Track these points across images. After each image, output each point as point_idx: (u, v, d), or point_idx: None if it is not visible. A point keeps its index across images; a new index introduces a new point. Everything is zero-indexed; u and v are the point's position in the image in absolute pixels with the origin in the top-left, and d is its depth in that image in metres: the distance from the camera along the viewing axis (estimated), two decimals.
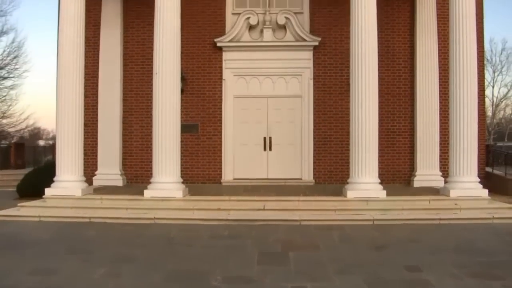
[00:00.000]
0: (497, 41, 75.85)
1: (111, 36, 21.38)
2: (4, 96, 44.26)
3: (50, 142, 57.40)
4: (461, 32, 16.99)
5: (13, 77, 43.84)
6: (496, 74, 56.01)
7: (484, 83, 22.45)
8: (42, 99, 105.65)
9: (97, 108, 21.40)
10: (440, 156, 20.81)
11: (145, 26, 21.31)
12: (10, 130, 49.88)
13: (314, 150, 21.50)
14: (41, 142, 64.49)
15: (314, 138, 21.51)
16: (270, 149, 21.70)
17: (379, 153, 17.29)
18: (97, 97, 21.40)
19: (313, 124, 21.50)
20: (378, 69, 17.34)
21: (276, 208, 16.27)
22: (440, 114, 20.81)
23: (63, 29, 17.62)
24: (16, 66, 43.85)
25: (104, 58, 21.36)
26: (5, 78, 43.60)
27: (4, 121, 47.11)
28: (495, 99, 56.84)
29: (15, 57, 43.54)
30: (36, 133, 74.43)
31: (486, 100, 47.84)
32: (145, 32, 21.36)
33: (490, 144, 36.82)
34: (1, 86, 43.76)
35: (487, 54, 51.96)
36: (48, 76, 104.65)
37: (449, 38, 17.51)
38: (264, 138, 21.72)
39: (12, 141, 47.08)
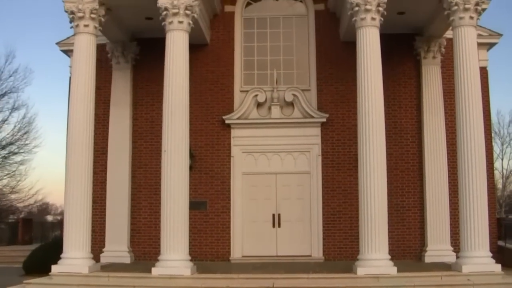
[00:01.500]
0: (504, 113, 76.23)
1: (120, 113, 21.69)
2: (14, 171, 44.42)
3: (58, 217, 57.32)
4: (467, 106, 17.10)
5: (23, 152, 44.14)
6: (504, 146, 55.87)
7: (492, 155, 22.51)
8: (51, 173, 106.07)
9: (105, 185, 21.45)
10: (451, 230, 20.60)
11: (154, 103, 21.62)
12: (19, 205, 49.87)
13: (324, 227, 21.33)
14: (49, 218, 64.38)
15: (323, 214, 21.37)
16: (279, 226, 21.55)
17: (388, 228, 17.14)
18: (106, 173, 21.50)
19: (322, 200, 21.41)
20: (386, 144, 17.42)
21: (285, 286, 16.06)
22: (450, 188, 20.72)
23: (73, 107, 17.92)
24: (27, 142, 44.18)
25: (114, 135, 21.59)
26: (15, 154, 43.87)
27: (13, 196, 47.13)
28: (504, 172, 56.49)
29: (25, 133, 43.95)
30: (45, 209, 74.42)
31: (496, 172, 47.68)
32: (154, 110, 21.66)
33: (502, 217, 36.41)
34: (11, 161, 43.96)
35: (495, 126, 51.95)
36: (58, 151, 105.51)
37: (455, 113, 17.64)
38: (273, 215, 21.60)
39: (20, 216, 47.05)
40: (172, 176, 17.24)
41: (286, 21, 22.78)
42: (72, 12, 17.95)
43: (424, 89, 21.33)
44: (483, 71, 21.71)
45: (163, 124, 17.71)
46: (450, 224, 20.66)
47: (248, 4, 22.88)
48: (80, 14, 17.89)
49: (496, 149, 53.16)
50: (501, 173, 55.93)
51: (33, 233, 34.09)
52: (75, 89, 17.95)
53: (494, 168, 28.00)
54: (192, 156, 20.24)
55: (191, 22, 18.27)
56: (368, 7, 17.60)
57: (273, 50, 22.59)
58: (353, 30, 18.41)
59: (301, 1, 22.77)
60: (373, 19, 17.72)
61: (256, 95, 21.87)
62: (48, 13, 69.54)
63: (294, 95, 21.75)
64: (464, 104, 17.15)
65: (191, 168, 19.42)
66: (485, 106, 19.79)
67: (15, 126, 43.21)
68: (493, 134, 33.27)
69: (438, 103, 21.14)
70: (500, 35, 22.78)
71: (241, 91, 22.24)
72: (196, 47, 20.97)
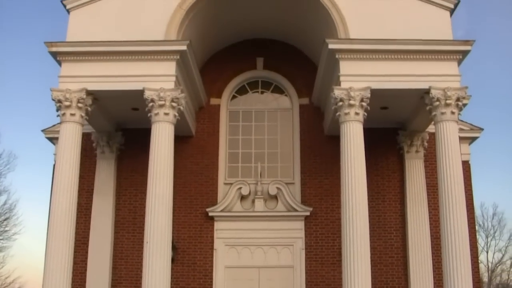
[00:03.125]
0: (488, 205, 76.40)
1: (103, 203, 21.43)
2: None
3: None
4: (451, 200, 17.17)
5: (2, 239, 43.28)
6: (489, 239, 55.92)
7: (477, 248, 22.43)
8: (30, 261, 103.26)
9: (85, 275, 20.88)
10: None
11: (137, 194, 21.49)
12: None
13: None
14: None
15: None
16: None
17: None
18: (86, 264, 21.00)
19: None
20: (370, 238, 17.32)
21: None
22: (435, 283, 20.42)
23: (55, 196, 17.70)
24: (6, 229, 43.39)
25: (96, 225, 21.25)
26: None
27: None
28: (490, 265, 56.21)
29: (5, 219, 43.23)
30: None
31: (481, 265, 47.31)
32: (137, 200, 21.50)
33: None
34: None
35: (479, 219, 52.30)
36: (38, 237, 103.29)
37: (439, 206, 17.69)
38: None
39: None
40: (154, 269, 16.90)
41: (271, 115, 23.13)
42: (59, 101, 18.10)
43: (408, 182, 21.45)
44: (466, 165, 21.98)
45: (146, 215, 17.56)
46: None
47: (234, 97, 23.30)
48: (67, 103, 18.04)
49: (481, 242, 53.13)
50: (486, 266, 55.60)
51: None
52: (59, 178, 17.82)
53: (479, 261, 27.74)
54: (174, 248, 19.94)
55: (177, 114, 18.50)
56: (351, 102, 17.96)
57: (257, 143, 22.80)
58: (337, 124, 18.70)
59: (286, 95, 23.24)
60: (356, 114, 18.04)
61: (240, 188, 21.85)
62: (34, 100, 70.08)
63: (278, 188, 21.77)
64: (448, 197, 17.23)
65: (173, 260, 19.12)
66: (469, 199, 19.94)
67: None
68: (477, 227, 33.30)
69: (421, 196, 21.21)
70: (481, 129, 23.29)
71: (225, 183, 22.22)
72: (181, 139, 21.10)
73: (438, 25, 18.62)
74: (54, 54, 18.62)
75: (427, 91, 18.11)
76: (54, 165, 19.26)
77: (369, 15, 18.90)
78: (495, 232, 55.96)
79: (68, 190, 17.70)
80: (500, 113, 73.44)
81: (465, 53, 18.32)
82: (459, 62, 18.47)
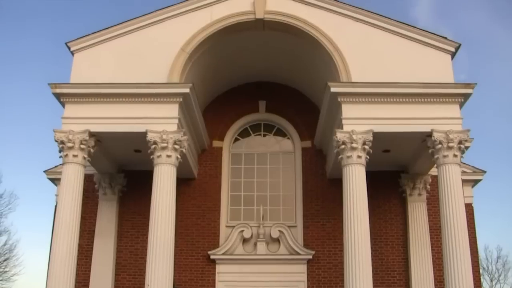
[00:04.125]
0: (492, 248, 75.70)
1: (104, 245, 21.26)
2: None
3: None
4: (454, 243, 17.02)
5: (1, 280, 42.79)
6: (493, 282, 55.18)
7: None
8: None
9: None
10: None
11: (139, 236, 21.35)
12: None
13: None
14: None
15: None
16: None
17: None
18: None
19: None
20: (373, 282, 17.13)
21: None
22: None
23: (56, 238, 17.60)
24: (6, 269, 42.94)
25: (96, 267, 21.03)
26: None
27: None
28: None
29: (5, 260, 42.83)
30: None
31: None
32: (138, 242, 21.34)
33: None
34: None
35: (483, 262, 51.72)
36: (38, 278, 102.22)
37: (442, 249, 17.54)
38: None
39: None
40: None
41: (273, 158, 23.17)
42: (62, 142, 18.17)
43: (411, 226, 21.31)
44: (469, 208, 21.92)
45: (148, 258, 17.43)
46: None
47: (236, 139, 23.38)
48: (70, 145, 18.10)
49: (485, 285, 52.52)
50: None
51: None
52: (60, 220, 17.75)
53: None
54: None
55: (179, 156, 18.54)
56: (354, 145, 18.00)
57: (260, 186, 22.77)
58: (339, 167, 18.70)
59: (288, 138, 23.31)
60: (359, 157, 18.06)
61: (242, 231, 21.72)
62: (37, 140, 70.18)
63: (280, 231, 21.63)
64: (451, 241, 17.09)
65: None
66: (472, 242, 19.76)
67: None
68: (481, 270, 32.95)
69: (425, 239, 21.05)
70: (484, 172, 23.28)
71: (227, 226, 22.10)
72: (183, 181, 21.12)
73: (439, 68, 18.77)
74: (58, 96, 18.78)
75: (429, 134, 18.15)
76: (55, 206, 19.21)
77: (371, 58, 19.07)
78: (499, 276, 55.30)
79: (69, 232, 17.61)
80: (503, 156, 73.33)
81: (466, 96, 18.42)
82: (461, 105, 18.56)
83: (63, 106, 18.89)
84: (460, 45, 18.94)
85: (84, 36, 19.46)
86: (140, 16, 19.73)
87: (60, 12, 73.12)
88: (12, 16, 69.39)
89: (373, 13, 19.55)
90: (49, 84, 18.60)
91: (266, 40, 20.81)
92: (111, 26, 19.59)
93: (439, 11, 74.88)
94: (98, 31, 19.49)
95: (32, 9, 70.84)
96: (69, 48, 19.43)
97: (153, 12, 19.79)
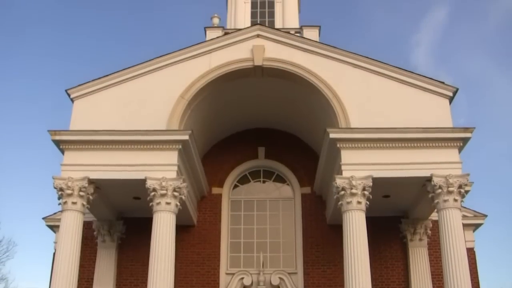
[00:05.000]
0: None
1: None
2: None
3: None
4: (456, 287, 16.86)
5: None
6: None
7: None
8: None
9: None
10: None
11: (138, 284, 21.11)
12: None
13: None
14: None
15: None
16: None
17: None
18: None
19: None
20: None
21: None
22: None
23: (55, 284, 17.41)
24: None
25: None
26: None
27: None
28: None
29: None
30: None
31: None
32: None
33: None
34: None
35: None
36: None
37: None
38: None
39: None
40: None
41: (273, 204, 23.12)
42: (61, 189, 18.13)
43: (412, 271, 21.09)
44: (471, 252, 21.80)
45: None
46: None
47: (235, 186, 23.36)
48: (69, 192, 18.06)
49: None
50: None
51: None
52: (58, 267, 17.58)
53: None
54: None
55: (178, 203, 18.49)
56: (353, 191, 17.98)
57: (259, 233, 22.66)
58: (339, 213, 18.63)
59: (287, 184, 23.30)
60: (359, 202, 18.02)
61: (242, 278, 21.53)
62: (35, 186, 69.90)
63: (280, 278, 21.45)
64: (453, 286, 16.92)
65: None
66: (475, 286, 19.54)
67: None
68: None
69: (426, 285, 20.79)
70: (485, 216, 23.19)
71: (227, 273, 21.92)
72: (182, 228, 21.02)
73: (438, 113, 18.89)
74: (57, 143, 18.82)
75: (429, 179, 18.14)
76: (54, 253, 19.02)
77: (370, 104, 19.20)
78: None
79: (67, 279, 17.43)
80: (504, 198, 73.05)
81: (465, 140, 18.47)
82: (460, 149, 18.60)
83: (63, 153, 18.91)
84: (457, 89, 19.10)
85: (84, 83, 19.65)
86: (140, 64, 19.93)
87: (62, 57, 73.81)
88: (14, 61, 70.14)
89: (372, 59, 19.77)
90: (48, 131, 18.67)
91: (265, 86, 20.98)
92: (111, 74, 19.79)
93: (438, 56, 75.83)
94: (98, 78, 19.68)
95: (35, 53, 71.58)
96: (69, 95, 19.57)
97: (152, 59, 20.02)
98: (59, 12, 73.81)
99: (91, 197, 18.60)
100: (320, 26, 26.25)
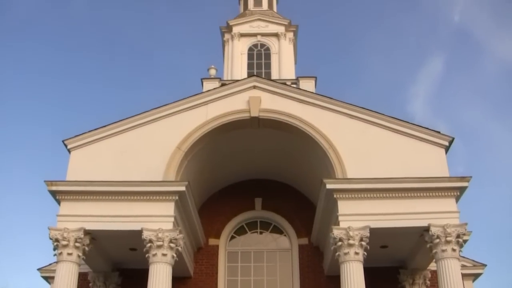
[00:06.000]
0: None
1: None
2: None
3: None
4: None
5: None
6: None
7: None
8: None
9: None
10: None
11: None
12: None
13: None
14: None
15: None
16: None
17: None
18: None
19: None
20: None
21: None
22: None
23: None
24: None
25: None
26: None
27: None
28: None
29: None
30: None
31: None
32: None
33: None
34: None
35: None
36: None
37: None
38: None
39: None
40: None
41: (270, 255, 22.93)
42: (57, 240, 17.99)
43: None
44: None
45: None
46: None
47: (232, 237, 23.21)
48: (65, 242, 17.92)
49: None
50: None
51: None
52: None
53: None
54: None
55: (175, 255, 18.35)
56: (351, 242, 17.89)
57: (257, 284, 22.43)
58: (337, 264, 18.50)
59: (285, 235, 23.16)
60: (356, 253, 17.92)
61: None
62: (30, 237, 69.22)
63: None
64: None
65: None
66: None
67: None
68: None
69: None
70: (484, 265, 23.00)
71: None
72: (179, 280, 20.78)
73: (434, 163, 18.96)
74: (54, 193, 18.76)
75: (426, 229, 18.08)
76: None
77: (366, 154, 19.29)
78: None
79: None
80: (504, 248, 72.50)
81: (462, 189, 18.48)
82: (457, 198, 18.60)
83: (59, 203, 18.83)
84: (453, 139, 19.21)
85: (81, 134, 19.75)
86: (137, 115, 20.09)
87: (59, 105, 74.05)
88: (11, 108, 70.40)
89: (367, 109, 19.95)
90: (45, 181, 18.66)
91: (261, 137, 21.10)
92: (108, 124, 19.91)
93: (436, 105, 76.34)
94: (95, 129, 19.80)
95: (32, 100, 71.86)
96: (66, 145, 19.62)
97: (149, 110, 20.20)
98: (57, 61, 74.33)
99: (86, 248, 18.45)
100: (316, 77, 26.57)
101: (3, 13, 68.20)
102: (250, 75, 24.79)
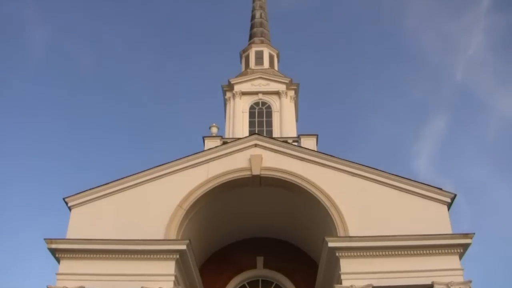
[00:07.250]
0: None
1: None
2: None
3: None
4: None
5: None
6: None
7: None
8: None
9: None
10: None
11: None
12: None
13: None
14: None
15: None
16: None
17: None
18: None
19: None
20: None
21: None
22: None
23: None
24: None
25: None
26: None
27: None
28: None
29: None
30: None
31: None
32: None
33: None
34: None
35: None
36: None
37: None
38: None
39: None
40: None
41: None
42: None
43: None
44: None
45: None
46: None
47: None
48: None
49: None
50: None
51: None
52: None
53: None
54: None
55: None
56: None
57: None
58: None
59: None
60: None
61: None
62: None
63: None
64: None
65: None
66: None
67: None
68: None
69: None
70: None
71: None
72: None
73: (436, 219, 18.86)
74: (53, 251, 18.63)
75: (430, 287, 17.84)
76: None
77: (368, 212, 19.21)
78: None
79: None
80: None
81: (465, 246, 18.33)
82: (461, 255, 18.41)
83: (58, 261, 18.68)
84: (455, 195, 19.14)
85: (82, 192, 19.76)
86: (139, 173, 20.14)
87: (60, 163, 73.99)
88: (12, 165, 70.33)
89: (369, 167, 19.97)
90: (45, 239, 18.56)
91: (263, 195, 21.06)
92: (109, 182, 19.92)
93: (439, 163, 76.12)
94: (96, 187, 19.81)
95: (34, 156, 71.77)
96: (66, 203, 19.58)
97: (151, 168, 20.23)
98: (59, 117, 74.51)
99: None
100: (317, 135, 26.59)
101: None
102: (251, 133, 24.89)
